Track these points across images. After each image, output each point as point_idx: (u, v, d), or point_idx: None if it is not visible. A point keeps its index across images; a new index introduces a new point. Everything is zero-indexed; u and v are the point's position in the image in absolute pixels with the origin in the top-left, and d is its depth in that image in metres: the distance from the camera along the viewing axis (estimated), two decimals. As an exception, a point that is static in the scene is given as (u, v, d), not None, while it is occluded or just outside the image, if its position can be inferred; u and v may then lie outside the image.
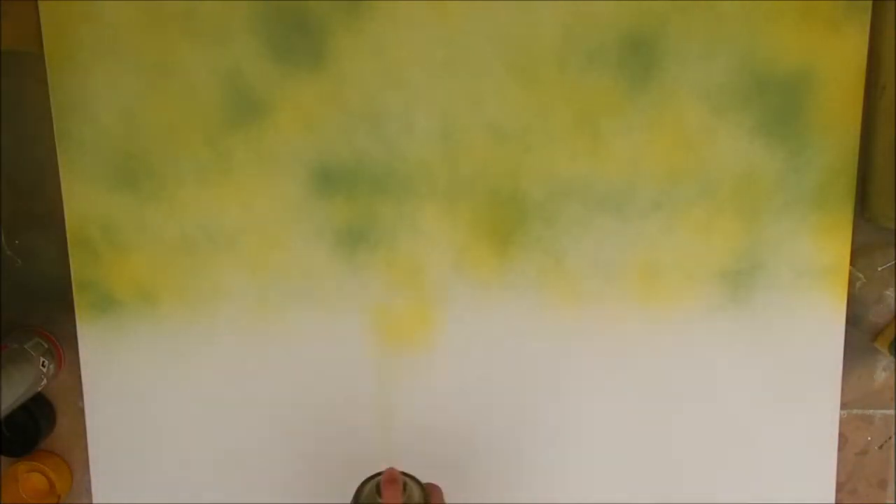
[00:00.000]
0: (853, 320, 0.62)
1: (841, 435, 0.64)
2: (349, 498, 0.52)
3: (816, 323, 0.61)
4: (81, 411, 0.65)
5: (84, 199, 0.61)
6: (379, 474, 0.52)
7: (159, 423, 0.65)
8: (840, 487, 0.65)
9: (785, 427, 0.63)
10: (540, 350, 0.62)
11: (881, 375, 0.64)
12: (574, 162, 0.60)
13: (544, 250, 0.61)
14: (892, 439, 0.65)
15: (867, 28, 0.57)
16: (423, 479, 0.53)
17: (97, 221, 0.62)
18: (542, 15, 0.57)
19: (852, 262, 0.61)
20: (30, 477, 0.65)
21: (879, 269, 0.62)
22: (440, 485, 0.54)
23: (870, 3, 0.56)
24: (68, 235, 0.62)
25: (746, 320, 0.62)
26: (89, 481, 0.66)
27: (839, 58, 0.57)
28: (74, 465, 0.67)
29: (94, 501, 0.66)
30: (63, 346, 0.65)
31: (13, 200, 0.63)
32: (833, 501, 0.64)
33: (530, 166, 0.60)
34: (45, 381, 0.63)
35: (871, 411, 0.65)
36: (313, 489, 0.65)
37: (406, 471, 0.53)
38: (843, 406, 0.64)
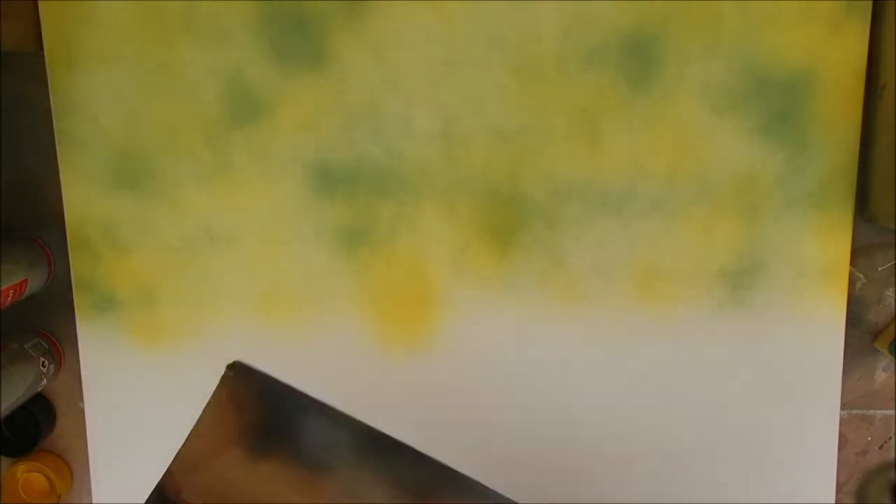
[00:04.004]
0: (853, 320, 0.62)
1: (841, 435, 0.64)
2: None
3: (816, 323, 0.61)
4: (81, 411, 0.65)
5: (84, 199, 0.61)
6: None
7: (159, 423, 0.65)
8: (840, 487, 0.65)
9: (785, 427, 0.63)
10: (540, 350, 0.62)
11: (881, 375, 0.64)
12: (574, 162, 0.60)
13: (544, 250, 0.61)
14: (893, 439, 0.65)
15: (867, 28, 0.57)
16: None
17: (97, 221, 0.62)
18: (542, 15, 0.57)
19: (852, 263, 0.61)
20: (30, 477, 0.65)
21: (880, 269, 0.62)
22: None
23: (870, 3, 0.56)
24: (68, 235, 0.62)
25: (746, 320, 0.62)
26: (89, 481, 0.66)
27: (839, 58, 0.57)
28: (74, 465, 0.67)
29: (94, 501, 0.66)
30: (63, 346, 0.65)
31: (13, 200, 0.63)
32: (833, 501, 0.64)
33: (530, 166, 0.60)
34: (45, 381, 0.63)
35: (871, 411, 0.65)
36: (313, 489, 0.65)
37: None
38: (843, 406, 0.64)
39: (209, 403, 0.41)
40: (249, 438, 0.41)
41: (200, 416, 0.41)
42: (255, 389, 0.41)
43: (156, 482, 0.43)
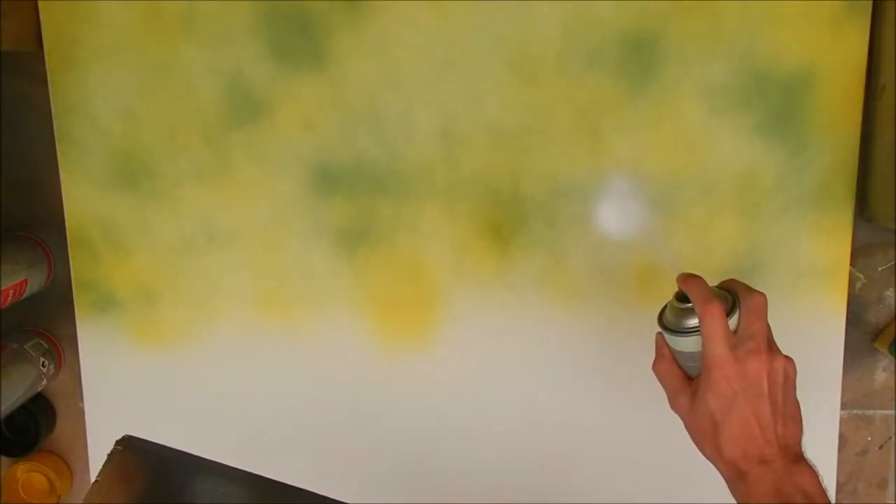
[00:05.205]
0: (853, 320, 0.62)
1: (841, 435, 0.64)
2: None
3: (816, 323, 0.61)
4: (81, 411, 0.65)
5: (84, 199, 0.61)
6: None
7: (159, 423, 0.65)
8: (840, 487, 0.65)
9: (785, 427, 0.63)
10: (540, 350, 0.62)
11: (881, 375, 0.64)
12: (574, 162, 0.60)
13: (544, 250, 0.61)
14: (892, 439, 0.65)
15: (867, 28, 0.57)
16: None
17: (97, 221, 0.61)
18: (542, 15, 0.57)
19: (852, 263, 0.61)
20: (30, 477, 0.65)
21: (879, 269, 0.62)
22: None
23: (870, 3, 0.56)
24: (68, 235, 0.62)
25: (746, 320, 0.61)
26: (89, 481, 0.66)
27: (839, 58, 0.57)
28: (74, 465, 0.67)
29: (94, 501, 0.66)
30: (63, 346, 0.65)
31: (13, 200, 0.63)
32: (833, 501, 0.64)
33: (530, 166, 0.60)
34: (45, 381, 0.63)
35: (871, 411, 0.65)
36: (314, 488, 0.65)
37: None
38: (843, 406, 0.64)
39: (96, 481, 0.41)
40: None
41: (88, 492, 0.41)
42: (144, 460, 0.41)
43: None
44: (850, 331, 0.62)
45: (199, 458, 0.42)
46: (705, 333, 0.45)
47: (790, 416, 0.45)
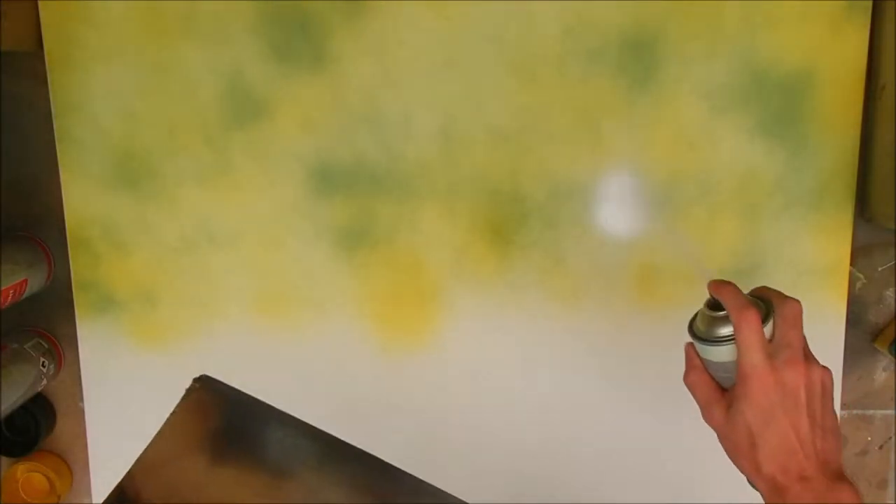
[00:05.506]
0: (853, 320, 0.62)
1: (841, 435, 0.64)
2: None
3: (816, 323, 0.61)
4: (81, 411, 0.65)
5: (84, 199, 0.61)
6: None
7: (159, 423, 0.65)
8: (840, 487, 0.65)
9: (785, 427, 0.63)
10: (540, 350, 0.62)
11: (881, 375, 0.64)
12: (574, 162, 0.60)
13: (544, 250, 0.61)
14: (892, 439, 0.65)
15: (867, 28, 0.57)
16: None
17: (97, 221, 0.62)
18: (542, 15, 0.57)
19: (852, 263, 0.61)
20: (30, 477, 0.65)
21: (879, 269, 0.62)
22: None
23: (870, 3, 0.56)
24: (68, 235, 0.62)
25: (746, 320, 0.61)
26: (89, 481, 0.66)
27: (839, 58, 0.57)
28: (74, 465, 0.67)
29: (93, 501, 0.66)
30: (63, 346, 0.65)
31: (13, 200, 0.63)
32: None
33: (530, 166, 0.60)
34: (45, 381, 0.63)
35: (871, 411, 0.65)
36: (313, 489, 0.65)
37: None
38: (843, 406, 0.64)
39: (174, 412, 0.41)
40: (212, 445, 0.42)
41: (165, 423, 0.42)
42: (220, 400, 0.42)
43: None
44: (850, 331, 0.62)
45: (271, 406, 0.43)
46: (741, 342, 0.43)
47: (829, 429, 0.43)
